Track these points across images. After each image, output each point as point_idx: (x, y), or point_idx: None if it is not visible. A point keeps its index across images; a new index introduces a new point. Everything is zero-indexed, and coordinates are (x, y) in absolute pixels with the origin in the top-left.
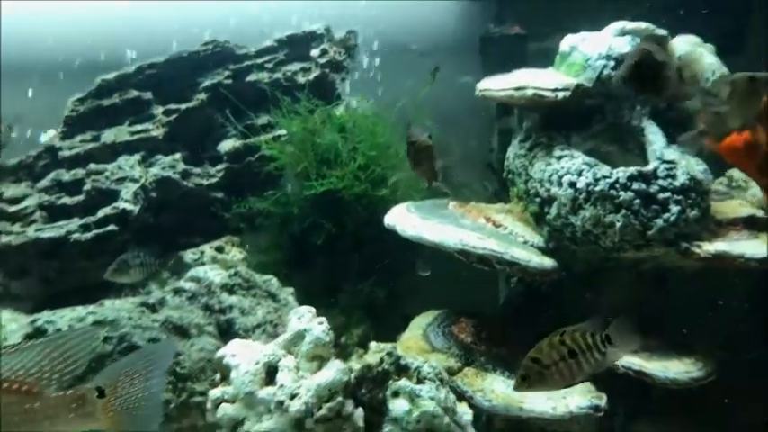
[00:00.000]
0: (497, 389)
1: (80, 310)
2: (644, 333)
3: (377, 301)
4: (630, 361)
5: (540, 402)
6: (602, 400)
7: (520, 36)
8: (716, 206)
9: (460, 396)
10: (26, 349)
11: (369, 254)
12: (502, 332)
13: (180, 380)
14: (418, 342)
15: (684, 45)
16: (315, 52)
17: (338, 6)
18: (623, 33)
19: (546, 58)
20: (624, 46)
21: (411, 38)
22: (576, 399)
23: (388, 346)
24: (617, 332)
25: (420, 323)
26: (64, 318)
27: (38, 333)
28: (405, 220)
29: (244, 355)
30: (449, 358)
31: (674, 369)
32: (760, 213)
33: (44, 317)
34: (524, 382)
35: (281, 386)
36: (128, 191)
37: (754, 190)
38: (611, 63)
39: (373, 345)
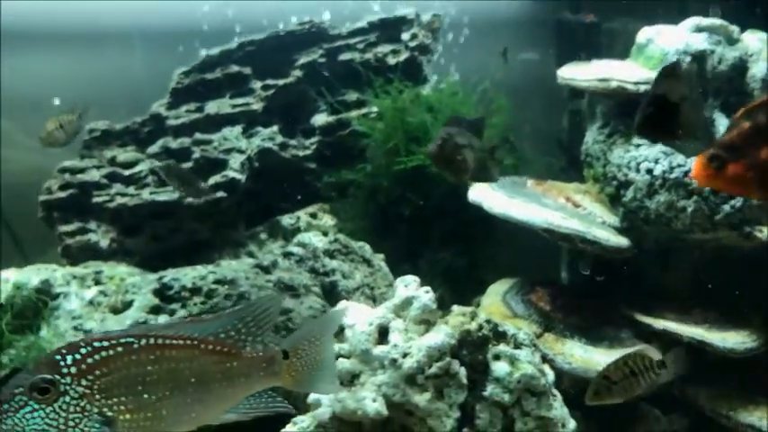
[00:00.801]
0: (576, 353)
1: (200, 270)
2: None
3: (454, 267)
4: (693, 331)
5: None
6: None
7: (594, 23)
8: None
9: (543, 359)
10: (225, 316)
11: (448, 225)
12: (576, 302)
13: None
14: (500, 308)
15: (756, 41)
16: (405, 36)
17: None
18: (699, 30)
19: (612, 38)
20: (701, 42)
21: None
22: None
23: (468, 309)
24: (671, 359)
25: (498, 290)
26: (187, 276)
27: (165, 288)
28: (491, 197)
29: (357, 316)
30: (530, 324)
31: (732, 340)
32: None
33: (170, 274)
34: (596, 396)
35: (394, 345)
36: (235, 161)
37: None
38: (688, 58)
39: (456, 308)
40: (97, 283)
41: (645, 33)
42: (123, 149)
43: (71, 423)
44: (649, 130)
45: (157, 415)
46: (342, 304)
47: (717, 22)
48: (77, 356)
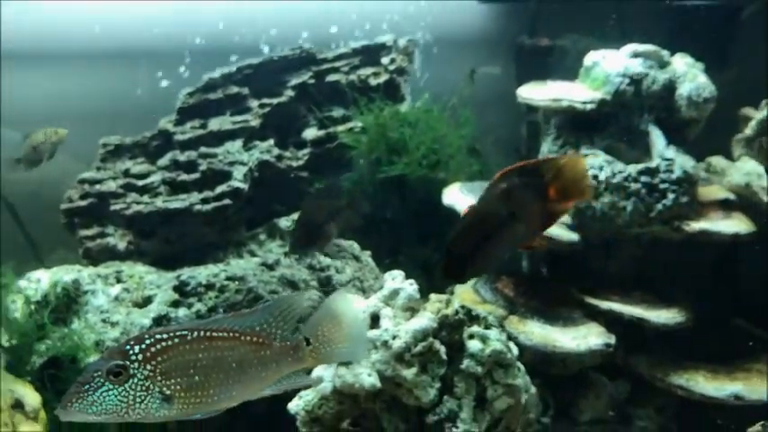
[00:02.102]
0: (536, 331)
1: (213, 268)
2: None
3: (431, 261)
4: (632, 311)
5: (568, 341)
6: (612, 339)
7: (548, 47)
8: (698, 190)
9: (508, 337)
10: (257, 312)
11: (425, 224)
12: (534, 288)
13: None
14: (471, 295)
15: (682, 65)
16: (385, 60)
17: (379, 5)
18: (636, 55)
19: (562, 53)
20: (637, 66)
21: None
22: (594, 339)
23: (444, 297)
24: None
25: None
26: (201, 273)
27: (182, 285)
28: (460, 200)
29: None
30: (497, 308)
31: (665, 316)
32: (732, 197)
33: (186, 272)
34: None
35: (385, 330)
36: (239, 172)
37: (729, 177)
38: (627, 80)
39: (433, 296)
40: (119, 281)
41: (591, 57)
42: (134, 162)
43: (138, 400)
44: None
45: (205, 393)
46: (339, 293)
47: (651, 48)
48: (143, 346)
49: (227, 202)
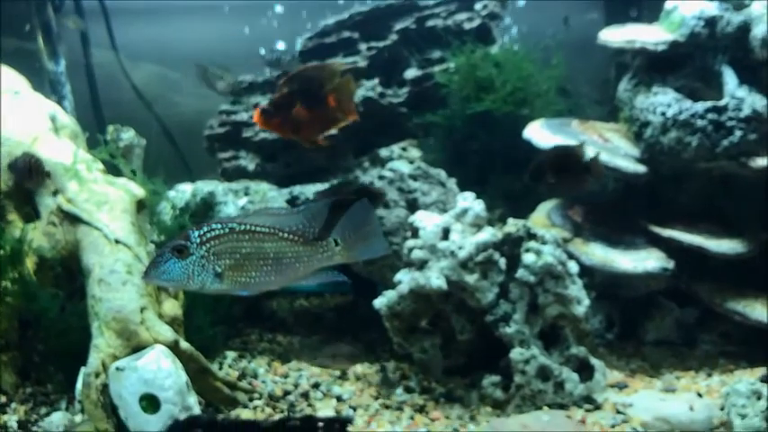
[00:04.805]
0: (597, 252)
1: (318, 186)
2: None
3: (513, 190)
4: (692, 239)
5: (626, 263)
6: (671, 264)
7: None
8: None
9: (571, 256)
10: (294, 213)
11: (510, 156)
12: (604, 215)
13: (384, 235)
14: (543, 220)
15: (760, 7)
16: (478, 5)
17: None
18: None
19: None
20: (712, 10)
21: None
22: (652, 262)
23: (520, 222)
24: None
25: (545, 207)
26: (309, 190)
27: (293, 198)
28: (538, 134)
29: (427, 221)
30: (563, 231)
31: (726, 246)
32: None
33: (297, 189)
34: None
35: (453, 241)
36: None
37: None
38: (701, 22)
39: (510, 220)
40: (246, 194)
41: (672, 1)
42: (263, 97)
43: (196, 273)
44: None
45: (248, 275)
46: (361, 202)
47: None
48: (201, 232)
49: (333, 132)
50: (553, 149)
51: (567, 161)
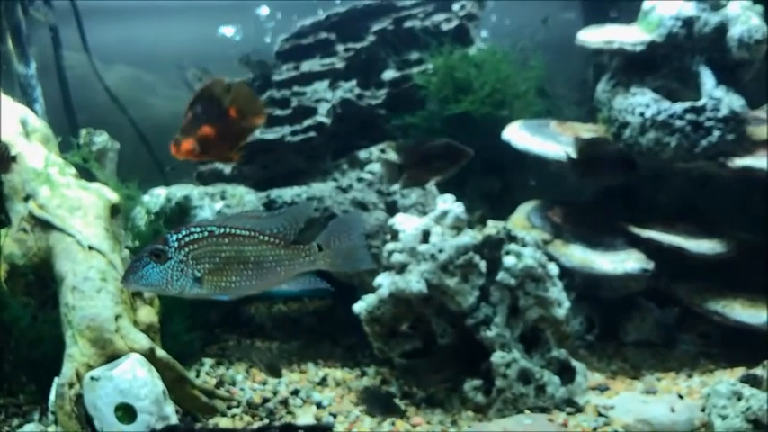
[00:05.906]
0: (576, 254)
1: (296, 189)
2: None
3: (493, 191)
4: (672, 239)
5: (605, 264)
6: (650, 265)
7: None
8: (753, 130)
9: (551, 258)
10: (274, 216)
11: (489, 158)
12: (582, 217)
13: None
14: (522, 221)
15: (737, 7)
16: (456, 6)
17: None
18: None
19: None
20: (690, 9)
21: None
22: (631, 263)
23: (500, 223)
24: None
25: (525, 208)
26: (287, 193)
27: (271, 202)
28: (517, 135)
29: (407, 224)
30: (543, 233)
31: (705, 246)
32: None
33: (275, 192)
34: None
35: (433, 244)
36: (323, 108)
37: None
38: (679, 23)
39: (490, 222)
40: (223, 198)
41: (650, 2)
42: None
43: (175, 277)
44: None
45: (229, 279)
46: (352, 212)
47: None
48: (179, 236)
49: (312, 134)
50: None
51: None
